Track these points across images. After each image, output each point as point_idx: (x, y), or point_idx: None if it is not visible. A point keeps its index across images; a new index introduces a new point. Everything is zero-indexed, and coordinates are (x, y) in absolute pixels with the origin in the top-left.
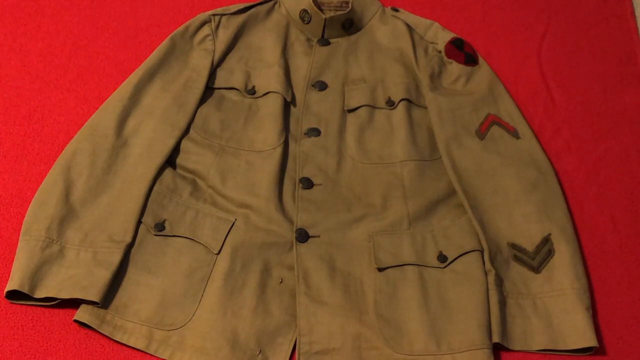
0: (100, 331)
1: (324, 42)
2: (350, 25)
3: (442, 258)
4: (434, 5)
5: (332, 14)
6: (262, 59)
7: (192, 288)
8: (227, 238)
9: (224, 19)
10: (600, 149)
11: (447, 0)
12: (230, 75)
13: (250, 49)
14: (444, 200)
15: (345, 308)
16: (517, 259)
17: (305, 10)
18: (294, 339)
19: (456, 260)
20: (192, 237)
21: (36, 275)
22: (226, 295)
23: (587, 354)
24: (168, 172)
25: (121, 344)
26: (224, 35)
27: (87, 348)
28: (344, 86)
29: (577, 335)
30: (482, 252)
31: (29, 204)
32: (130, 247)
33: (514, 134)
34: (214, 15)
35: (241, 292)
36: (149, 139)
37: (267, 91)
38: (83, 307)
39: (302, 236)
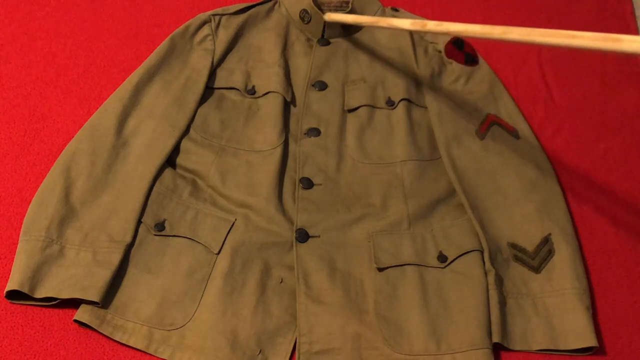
0: (100, 331)
1: (324, 42)
2: (350, 25)
3: (442, 258)
4: (434, 5)
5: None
6: (262, 59)
7: (192, 288)
8: (227, 238)
9: (224, 19)
10: (600, 149)
11: (447, 0)
12: (230, 75)
13: (250, 49)
14: (444, 200)
15: (345, 308)
16: (517, 258)
17: (305, 10)
18: (294, 339)
19: (456, 260)
20: (192, 237)
21: (36, 275)
22: (226, 295)
23: (587, 354)
24: (168, 172)
25: (121, 344)
26: (224, 35)
27: (87, 348)
28: (344, 86)
29: (577, 335)
30: (482, 252)
31: (29, 203)
32: (130, 247)
33: (514, 134)
34: (214, 15)
35: (241, 292)
36: (149, 139)
37: (267, 91)
38: (83, 307)
39: (302, 236)
